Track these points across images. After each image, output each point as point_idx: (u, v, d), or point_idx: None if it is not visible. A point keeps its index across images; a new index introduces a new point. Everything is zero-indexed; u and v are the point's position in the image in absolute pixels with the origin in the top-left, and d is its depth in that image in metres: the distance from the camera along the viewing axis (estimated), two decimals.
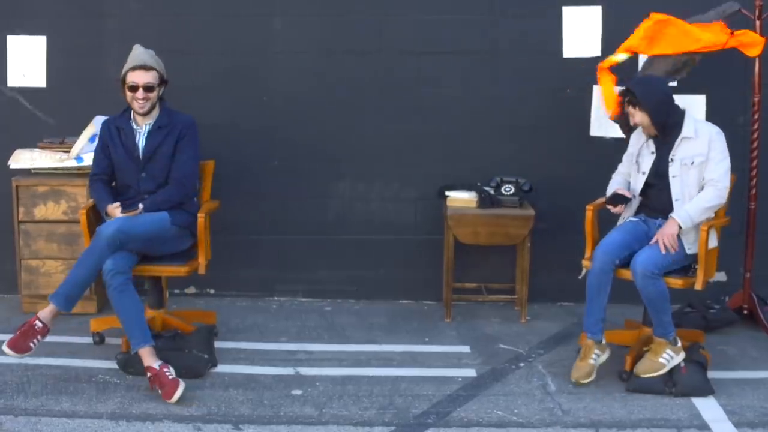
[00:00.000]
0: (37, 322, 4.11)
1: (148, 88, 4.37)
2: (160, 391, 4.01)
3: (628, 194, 4.42)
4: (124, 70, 4.39)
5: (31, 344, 4.09)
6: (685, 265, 4.28)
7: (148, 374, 4.07)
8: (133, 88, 4.36)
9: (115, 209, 4.34)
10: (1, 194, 5.25)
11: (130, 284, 4.18)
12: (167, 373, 4.03)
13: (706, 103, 5.30)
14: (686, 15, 4.98)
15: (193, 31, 5.38)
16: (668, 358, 4.21)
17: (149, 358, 4.10)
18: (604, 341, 4.33)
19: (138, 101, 4.37)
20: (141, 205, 4.34)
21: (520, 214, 5.11)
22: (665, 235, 4.20)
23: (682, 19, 4.82)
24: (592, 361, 4.26)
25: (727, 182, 4.24)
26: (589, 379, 4.24)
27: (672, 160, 4.30)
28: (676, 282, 4.25)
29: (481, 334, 4.99)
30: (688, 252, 4.26)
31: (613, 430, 3.84)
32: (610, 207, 4.44)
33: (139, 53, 4.41)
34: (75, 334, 4.87)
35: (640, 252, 4.20)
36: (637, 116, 4.31)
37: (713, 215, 4.30)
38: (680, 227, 4.20)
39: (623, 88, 4.39)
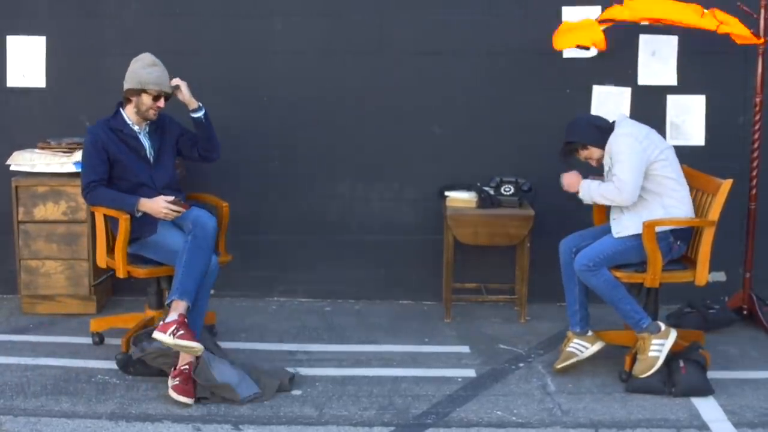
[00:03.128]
0: (185, 320, 4.06)
1: (167, 97, 4.46)
2: (175, 383, 4.01)
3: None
4: (144, 84, 4.36)
5: (195, 336, 4.08)
6: (644, 261, 4.28)
7: (185, 367, 4.06)
8: (157, 98, 4.40)
9: (165, 200, 4.31)
10: (1, 194, 5.25)
11: None
12: (194, 374, 4.06)
13: (705, 103, 5.30)
14: None
15: (193, 31, 5.38)
16: (658, 348, 4.21)
17: (192, 357, 4.11)
18: (590, 333, 4.42)
19: (156, 110, 4.42)
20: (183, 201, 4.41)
21: (520, 214, 5.11)
22: (566, 176, 4.53)
23: None
24: (569, 350, 4.38)
25: (626, 180, 4.22)
26: (564, 364, 4.36)
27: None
28: (620, 275, 4.27)
29: (480, 335, 4.99)
30: (616, 236, 4.29)
31: (613, 431, 3.84)
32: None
33: (163, 75, 4.41)
34: (75, 334, 4.87)
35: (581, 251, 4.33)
36: (594, 153, 4.43)
37: (609, 203, 4.35)
38: (579, 193, 4.45)
39: (561, 147, 4.53)
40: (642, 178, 4.25)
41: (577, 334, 4.42)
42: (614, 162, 4.29)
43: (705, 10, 4.82)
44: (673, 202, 4.31)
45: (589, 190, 4.39)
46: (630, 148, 4.25)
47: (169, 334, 3.98)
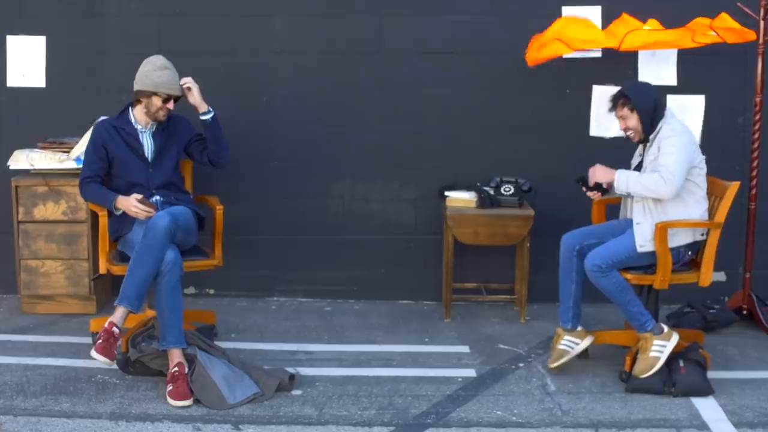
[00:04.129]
0: (114, 329, 4.02)
1: (176, 99, 4.49)
2: (170, 388, 4.01)
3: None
4: (156, 86, 4.39)
5: (114, 351, 4.03)
6: (653, 263, 4.27)
7: (175, 370, 4.06)
8: (167, 100, 4.42)
9: (135, 199, 4.29)
10: (1, 194, 5.25)
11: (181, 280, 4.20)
12: (188, 380, 4.05)
13: (705, 103, 5.30)
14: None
15: (193, 31, 5.38)
16: (659, 349, 4.21)
17: (181, 357, 4.11)
18: (580, 329, 4.42)
19: (166, 112, 4.45)
20: (156, 201, 4.38)
21: (520, 214, 5.11)
22: (597, 169, 4.39)
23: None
24: (561, 347, 4.37)
25: (674, 172, 4.14)
26: (558, 363, 4.34)
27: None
28: (630, 277, 4.26)
29: (480, 334, 4.99)
30: (639, 250, 4.25)
31: (613, 430, 3.84)
32: (584, 190, 4.55)
33: (174, 78, 4.44)
34: (75, 334, 4.87)
35: (592, 250, 4.28)
36: (631, 121, 4.34)
37: (650, 195, 4.23)
38: (615, 182, 4.30)
39: (616, 91, 4.41)
40: (685, 176, 4.21)
41: (567, 330, 4.42)
42: (664, 153, 4.20)
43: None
44: (695, 216, 4.28)
45: (628, 180, 4.25)
46: (685, 144, 4.21)
47: (94, 342, 4.00)
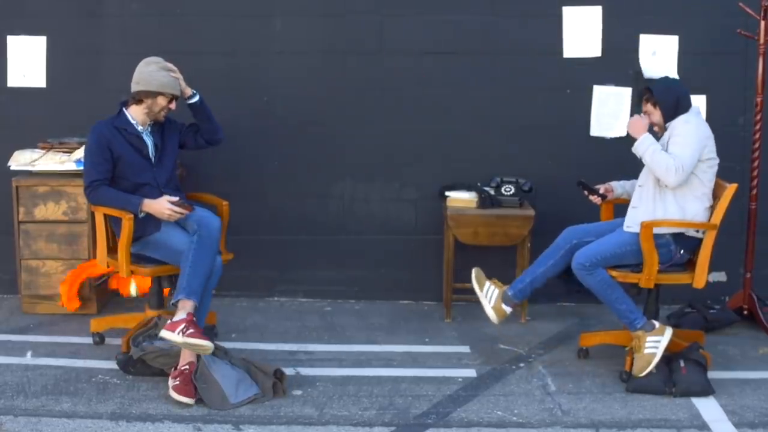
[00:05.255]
0: (193, 318, 4.07)
1: (177, 99, 4.53)
2: (175, 383, 4.01)
3: (599, 187, 4.59)
4: (162, 86, 4.41)
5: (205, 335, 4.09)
6: (641, 262, 4.25)
7: (185, 367, 4.06)
8: (171, 101, 4.46)
9: (169, 201, 4.30)
10: (1, 194, 5.25)
11: None
12: (193, 380, 4.06)
13: (706, 103, 5.30)
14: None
15: (193, 31, 5.38)
16: (654, 345, 4.20)
17: (193, 357, 4.11)
18: (508, 309, 4.48)
19: (167, 111, 4.49)
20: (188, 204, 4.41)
21: (520, 214, 5.11)
22: (634, 120, 4.36)
23: None
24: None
25: (685, 165, 4.16)
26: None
27: None
28: (615, 274, 4.26)
29: (481, 334, 4.99)
30: (626, 230, 4.29)
31: (613, 431, 3.84)
32: (585, 193, 4.61)
33: (175, 78, 4.49)
34: (75, 334, 4.87)
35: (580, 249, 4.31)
36: (655, 115, 4.35)
37: (655, 173, 4.25)
38: (638, 141, 4.29)
39: (644, 87, 4.45)
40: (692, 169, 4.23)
41: (507, 296, 4.46)
42: (674, 142, 4.22)
43: None
44: (691, 215, 4.28)
45: (649, 146, 4.25)
46: (697, 136, 4.23)
47: (178, 333, 3.98)
